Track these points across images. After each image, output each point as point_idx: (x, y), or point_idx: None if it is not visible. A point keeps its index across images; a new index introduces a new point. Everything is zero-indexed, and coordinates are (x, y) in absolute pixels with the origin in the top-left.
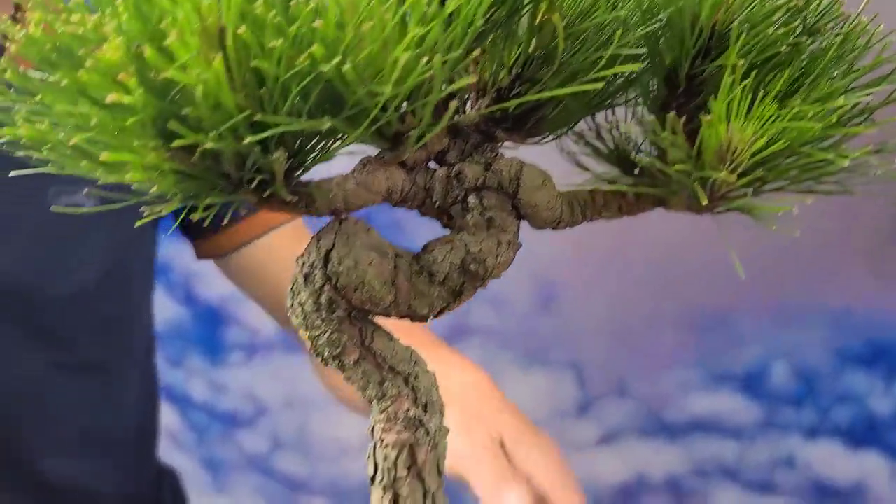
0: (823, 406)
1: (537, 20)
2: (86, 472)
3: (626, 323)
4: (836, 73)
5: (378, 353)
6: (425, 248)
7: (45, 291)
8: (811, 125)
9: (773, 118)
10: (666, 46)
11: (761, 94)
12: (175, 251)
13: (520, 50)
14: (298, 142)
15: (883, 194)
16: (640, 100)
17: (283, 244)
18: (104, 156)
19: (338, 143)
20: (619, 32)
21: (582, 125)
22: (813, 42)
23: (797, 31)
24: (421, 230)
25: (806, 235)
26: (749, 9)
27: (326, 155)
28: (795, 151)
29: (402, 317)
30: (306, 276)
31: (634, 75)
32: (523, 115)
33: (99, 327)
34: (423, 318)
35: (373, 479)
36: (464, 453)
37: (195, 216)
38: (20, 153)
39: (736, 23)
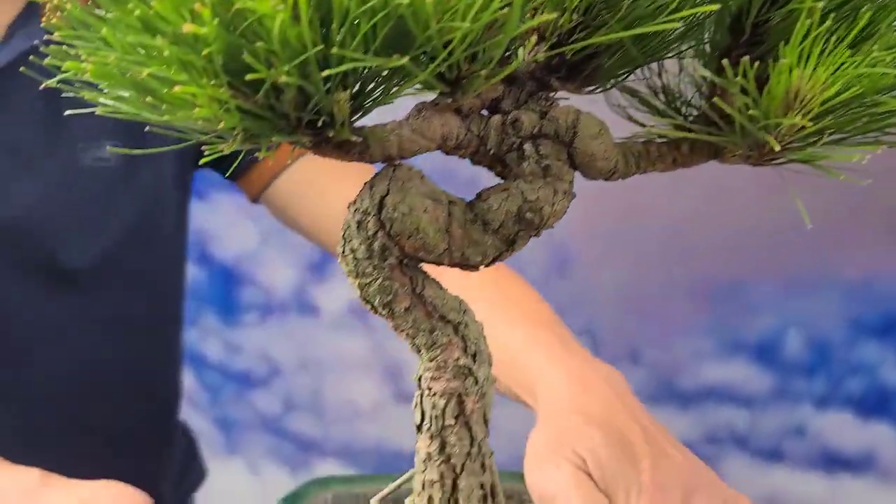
0: (835, 376)
1: None
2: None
3: (640, 290)
4: None
5: (429, 301)
6: (479, 195)
7: (67, 243)
8: (889, 71)
9: (845, 65)
10: None
11: (833, 40)
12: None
13: None
14: (359, 84)
15: None
16: (697, 50)
17: (317, 174)
18: (177, 89)
19: (398, 86)
20: None
21: (632, 78)
22: None
23: None
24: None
25: (825, 205)
26: None
27: (388, 98)
28: (867, 100)
29: (454, 265)
30: (359, 223)
31: (697, 23)
32: (579, 63)
33: (124, 283)
34: (475, 267)
35: (419, 427)
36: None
37: (228, 148)
38: (70, 93)
39: None
